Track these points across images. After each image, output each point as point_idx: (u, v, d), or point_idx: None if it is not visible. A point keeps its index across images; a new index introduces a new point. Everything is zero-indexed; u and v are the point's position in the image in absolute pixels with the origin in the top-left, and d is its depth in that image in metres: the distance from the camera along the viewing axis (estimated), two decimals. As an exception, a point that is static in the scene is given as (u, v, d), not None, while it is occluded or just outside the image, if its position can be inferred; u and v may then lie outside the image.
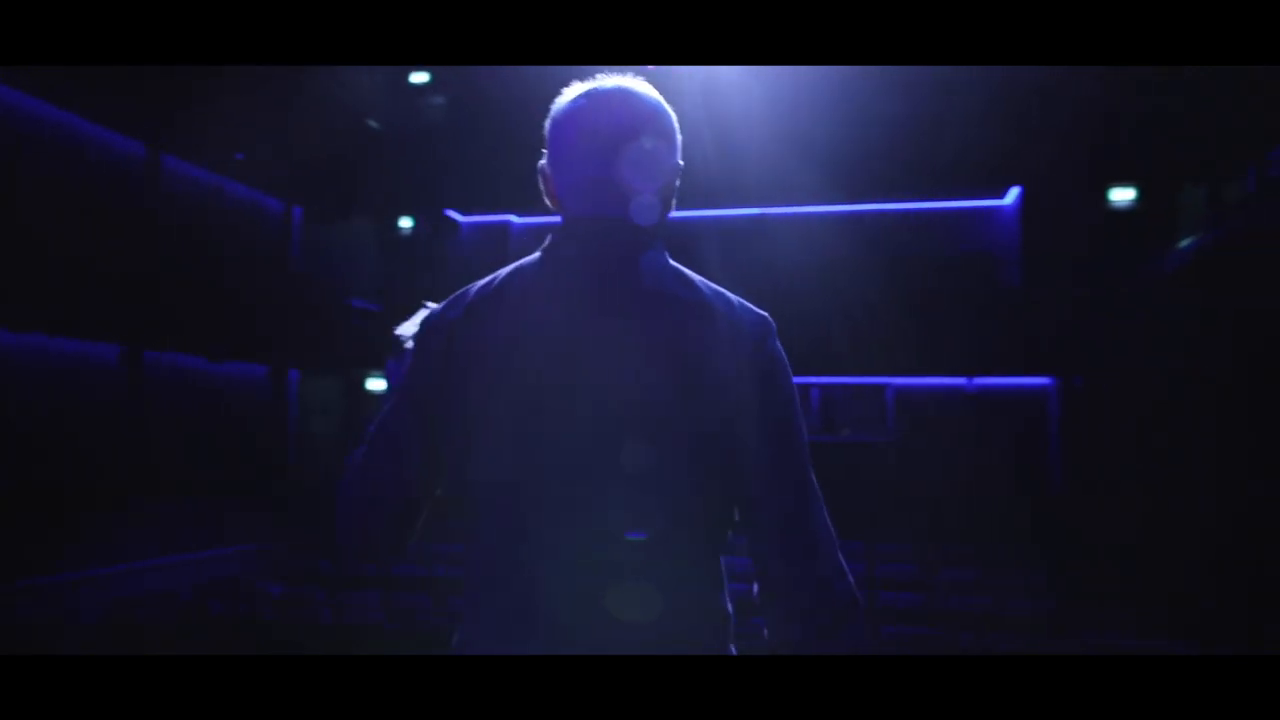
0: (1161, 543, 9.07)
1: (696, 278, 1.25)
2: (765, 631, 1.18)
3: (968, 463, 11.50)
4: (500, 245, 14.66)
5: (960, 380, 12.28)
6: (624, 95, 1.26)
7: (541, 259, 1.26)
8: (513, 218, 14.80)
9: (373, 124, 12.67)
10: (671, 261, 1.26)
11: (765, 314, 1.25)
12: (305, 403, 12.97)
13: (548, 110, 1.31)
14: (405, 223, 14.04)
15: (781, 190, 12.65)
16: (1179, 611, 7.10)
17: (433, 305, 1.52)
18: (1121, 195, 11.84)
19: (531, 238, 14.74)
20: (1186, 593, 7.64)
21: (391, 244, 14.10)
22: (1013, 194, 13.01)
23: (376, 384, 13.16)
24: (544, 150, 1.30)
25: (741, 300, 1.26)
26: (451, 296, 1.28)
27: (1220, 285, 9.12)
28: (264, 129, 10.88)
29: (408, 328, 1.46)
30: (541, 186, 1.32)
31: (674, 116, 1.29)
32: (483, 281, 1.27)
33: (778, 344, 1.23)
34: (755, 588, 1.19)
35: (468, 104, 12.04)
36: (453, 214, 14.65)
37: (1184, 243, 10.13)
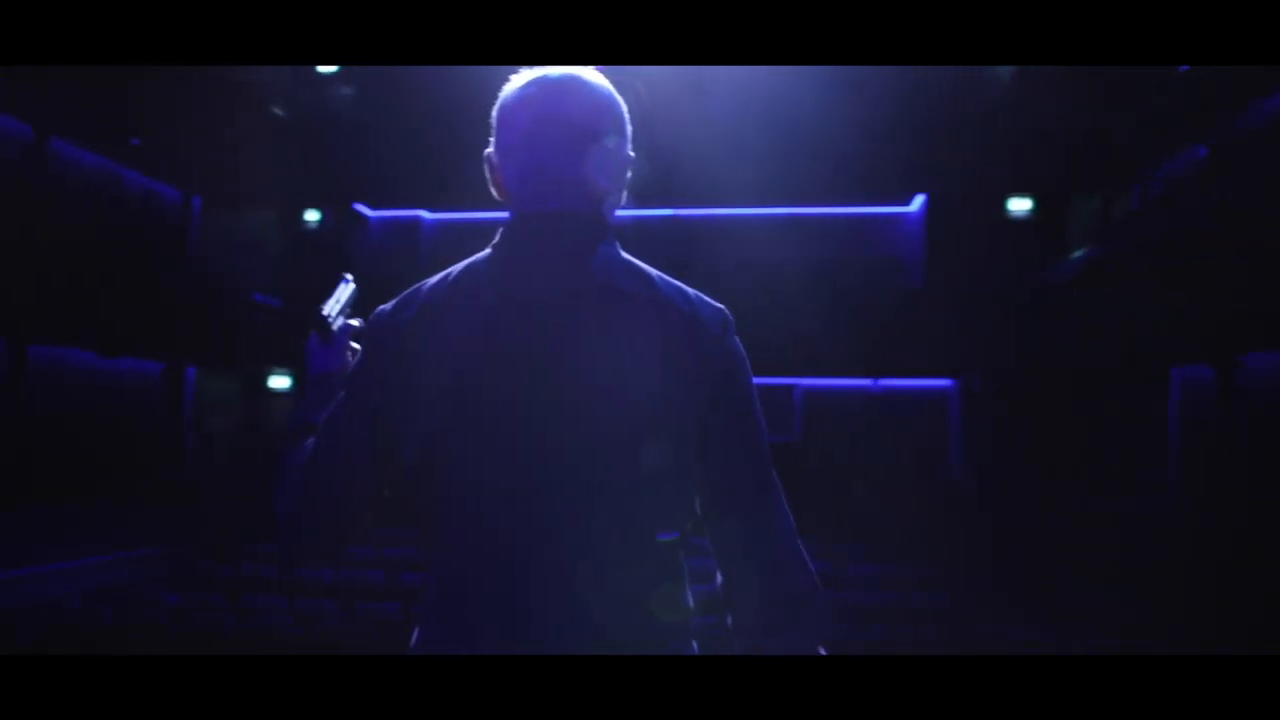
0: (1056, 535, 9.50)
1: (652, 271, 1.24)
2: (729, 619, 1.19)
3: (872, 462, 11.83)
4: (411, 241, 14.37)
5: (866, 381, 12.61)
6: (577, 84, 1.24)
7: (494, 256, 1.23)
8: (424, 213, 14.53)
9: (278, 112, 12.25)
10: (624, 255, 1.25)
11: (723, 307, 1.25)
12: (203, 401, 12.47)
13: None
14: (312, 215, 13.60)
15: (693, 191, 12.77)
16: (1075, 601, 7.45)
17: (350, 277, 1.48)
18: (1019, 205, 12.33)
19: (444, 234, 14.49)
20: (1084, 583, 8.02)
21: (296, 237, 13.65)
22: (918, 201, 13.44)
23: (279, 381, 12.74)
24: (490, 139, 1.27)
25: (698, 293, 1.25)
26: (402, 295, 1.25)
27: (1107, 295, 9.61)
28: (162, 113, 10.40)
29: (332, 305, 1.43)
30: (487, 175, 1.29)
31: (625, 106, 1.27)
32: (434, 280, 1.24)
33: (736, 339, 1.23)
34: (718, 578, 1.20)
35: (379, 94, 11.74)
36: (361, 208, 14.30)
37: (1076, 254, 10.63)
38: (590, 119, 1.23)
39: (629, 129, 1.27)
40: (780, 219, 13.83)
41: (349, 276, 1.50)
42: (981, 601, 7.67)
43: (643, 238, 13.37)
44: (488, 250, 1.24)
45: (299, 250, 13.51)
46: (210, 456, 12.28)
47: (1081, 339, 9.80)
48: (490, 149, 1.28)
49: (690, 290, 1.24)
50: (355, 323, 1.44)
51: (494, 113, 1.27)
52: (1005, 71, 9.98)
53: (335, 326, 1.42)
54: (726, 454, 1.18)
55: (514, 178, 1.25)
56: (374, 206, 14.40)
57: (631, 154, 1.29)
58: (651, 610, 1.15)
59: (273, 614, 6.91)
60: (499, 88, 1.29)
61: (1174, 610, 7.20)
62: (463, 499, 1.14)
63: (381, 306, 1.26)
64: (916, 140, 11.06)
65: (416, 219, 14.50)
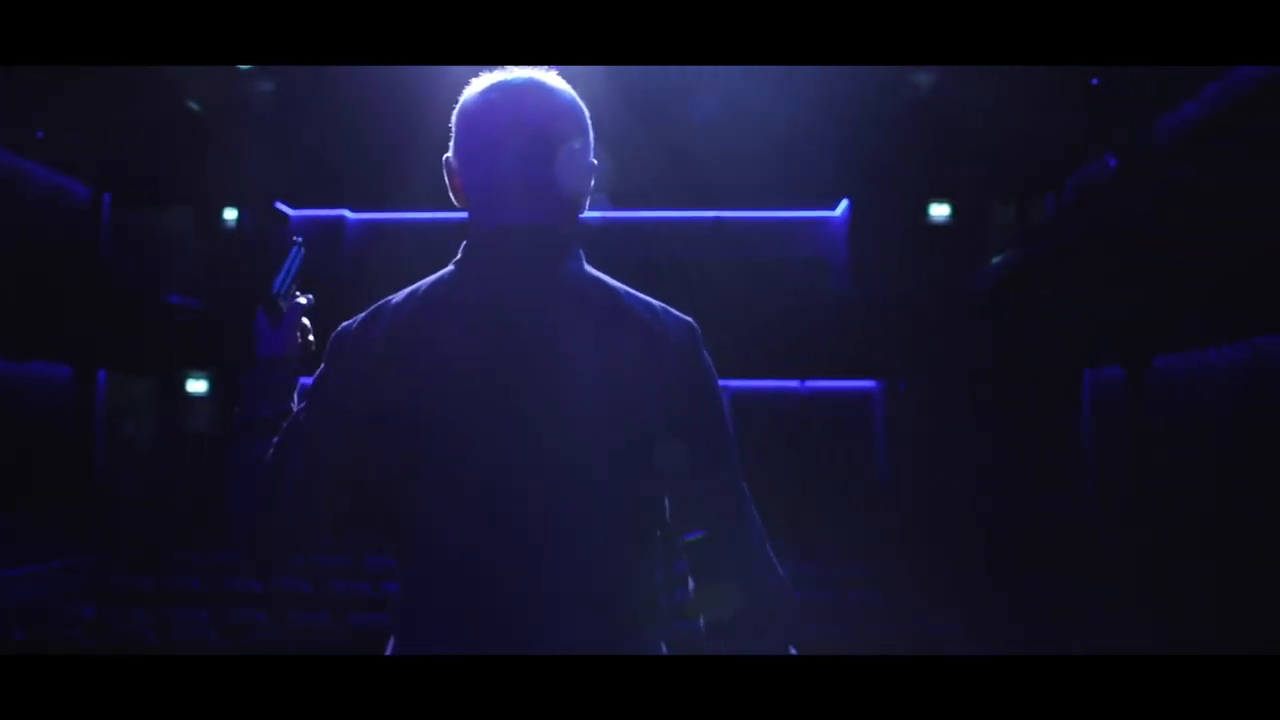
0: (980, 533, 9.81)
1: (618, 285, 1.25)
2: (702, 622, 1.22)
3: (800, 462, 12.03)
4: (334, 241, 14.04)
5: (793, 383, 12.82)
6: (539, 89, 1.24)
7: (461, 272, 1.23)
8: (347, 213, 14.21)
9: (193, 105, 11.82)
10: (589, 269, 1.25)
11: (690, 320, 1.26)
12: (115, 406, 11.95)
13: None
14: (230, 214, 13.15)
15: (620, 194, 12.78)
16: (1001, 596, 7.70)
17: (300, 239, 1.43)
18: (938, 211, 12.68)
19: (368, 234, 14.20)
20: (1008, 578, 8.30)
21: (214, 236, 13.18)
22: (842, 205, 13.71)
23: (196, 385, 12.30)
24: (450, 143, 1.27)
25: (664, 306, 1.26)
26: (368, 311, 1.24)
27: (1024, 300, 9.98)
28: (69, 104, 9.93)
29: (282, 280, 1.37)
30: (446, 181, 1.28)
31: (587, 110, 1.28)
32: (400, 297, 1.23)
33: (704, 352, 1.25)
34: (690, 583, 1.23)
35: (300, 88, 11.43)
36: (282, 206, 13.90)
37: (995, 259, 11.01)
38: (554, 124, 1.23)
39: (591, 134, 1.28)
40: (707, 222, 13.95)
41: (299, 239, 1.43)
42: (912, 599, 7.86)
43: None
44: (452, 266, 1.24)
45: (217, 249, 13.06)
46: (124, 463, 11.78)
47: (1001, 342, 10.14)
48: (449, 154, 1.27)
49: (656, 303, 1.26)
50: (304, 300, 1.39)
51: (453, 117, 1.27)
52: (924, 80, 10.26)
53: (284, 305, 1.36)
54: (696, 462, 1.20)
55: (476, 185, 1.24)
56: (295, 206, 14.01)
57: (595, 160, 1.29)
58: (624, 611, 1.17)
59: (198, 628, 6.68)
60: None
61: (1094, 601, 7.51)
62: (447, 510, 1.15)
63: (346, 323, 1.25)
64: (839, 144, 11.26)
65: (340, 219, 14.18)
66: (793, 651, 1.20)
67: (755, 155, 11.48)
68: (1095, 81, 8.57)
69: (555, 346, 1.16)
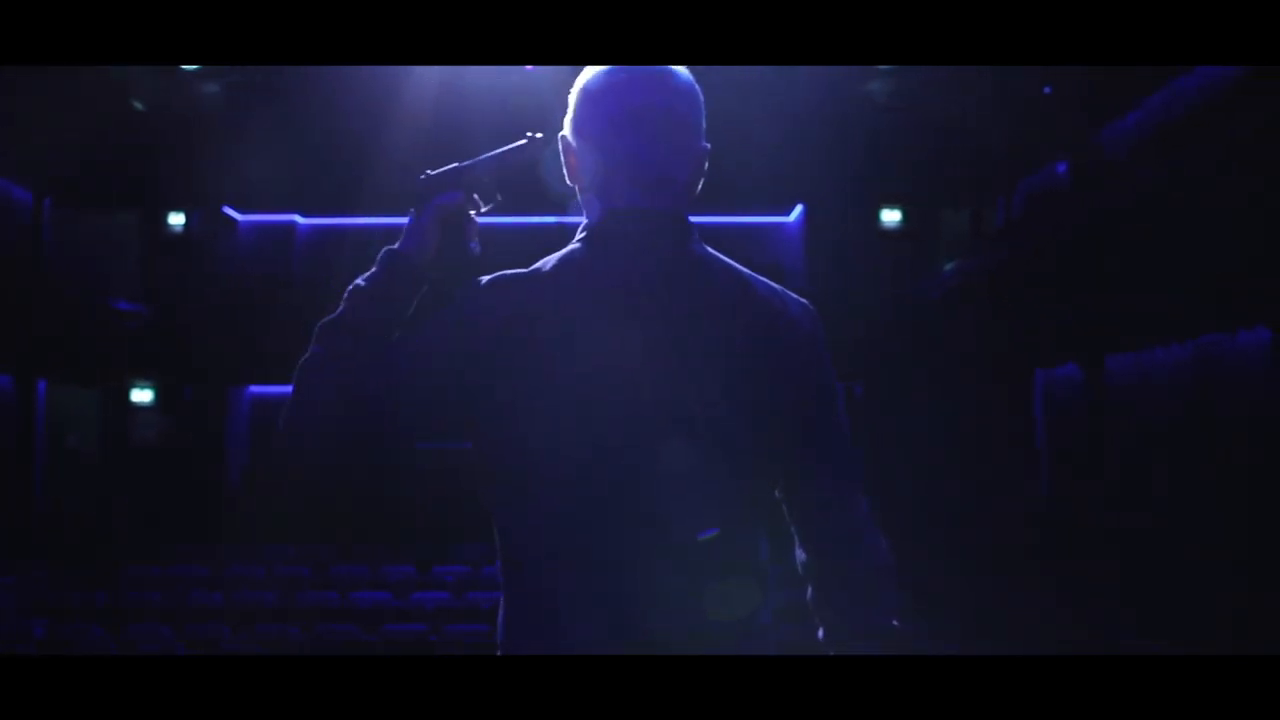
0: (937, 536, 10.00)
1: (743, 268, 1.26)
2: (809, 593, 1.24)
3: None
4: (284, 247, 13.76)
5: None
6: (666, 74, 1.24)
7: (589, 251, 1.22)
8: (298, 218, 13.93)
9: (138, 105, 11.47)
10: (712, 251, 1.26)
11: (808, 303, 1.28)
12: (56, 416, 11.52)
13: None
14: (176, 218, 12.78)
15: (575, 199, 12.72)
16: (956, 597, 7.86)
17: (537, 135, 1.30)
18: (890, 217, 12.89)
19: (319, 239, 13.93)
20: (965, 577, 8.47)
21: (160, 241, 12.80)
22: (796, 211, 13.89)
23: (142, 395, 11.93)
24: (569, 121, 1.25)
25: (785, 290, 1.27)
26: (487, 280, 1.19)
27: (978, 304, 10.24)
28: (7, 104, 9.56)
29: (458, 171, 1.26)
30: (562, 158, 1.27)
31: (702, 96, 1.28)
32: (523, 272, 1.20)
33: (823, 334, 1.27)
34: (799, 555, 1.26)
35: (249, 90, 11.17)
36: (230, 211, 13.57)
37: (948, 265, 11.27)
38: (679, 109, 1.23)
39: (704, 119, 1.28)
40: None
41: (536, 135, 1.27)
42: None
43: (531, 243, 13.22)
44: (579, 245, 1.22)
45: (163, 254, 12.69)
46: (66, 476, 11.36)
47: (955, 345, 10.38)
48: (566, 132, 1.26)
49: (777, 286, 1.27)
50: (447, 199, 1.24)
51: (574, 96, 1.26)
52: (878, 86, 10.45)
53: (429, 197, 1.23)
54: (815, 442, 1.22)
55: (597, 167, 1.23)
56: (243, 210, 13.69)
57: (707, 145, 1.29)
58: (736, 588, 1.17)
59: (164, 641, 6.46)
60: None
61: (1053, 600, 7.71)
62: (562, 491, 1.13)
63: (473, 286, 1.19)
64: (794, 150, 11.38)
65: (291, 224, 13.89)
66: (895, 623, 1.21)
67: (710, 160, 11.54)
68: (1047, 90, 8.84)
69: (687, 328, 1.16)
